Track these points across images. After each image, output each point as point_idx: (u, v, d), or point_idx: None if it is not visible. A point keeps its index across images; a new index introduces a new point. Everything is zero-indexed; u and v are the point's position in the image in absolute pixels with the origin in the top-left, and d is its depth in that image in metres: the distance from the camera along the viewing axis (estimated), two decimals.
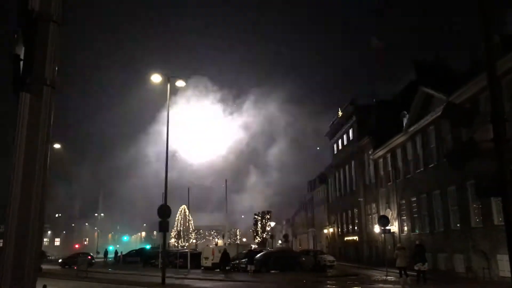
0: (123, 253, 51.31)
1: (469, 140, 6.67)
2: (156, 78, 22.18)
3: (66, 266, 39.68)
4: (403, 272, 20.47)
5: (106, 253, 54.80)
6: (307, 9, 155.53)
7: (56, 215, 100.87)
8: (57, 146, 36.00)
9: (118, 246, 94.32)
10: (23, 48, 2.49)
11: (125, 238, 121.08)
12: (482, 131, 6.35)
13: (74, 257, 38.81)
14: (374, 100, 41.11)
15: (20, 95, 2.46)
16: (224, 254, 30.39)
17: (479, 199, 20.07)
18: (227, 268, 29.38)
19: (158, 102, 23.63)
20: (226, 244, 36.73)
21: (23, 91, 2.44)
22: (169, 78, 22.53)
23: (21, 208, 2.40)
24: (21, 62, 2.47)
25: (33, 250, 2.43)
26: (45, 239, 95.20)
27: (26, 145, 2.40)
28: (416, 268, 20.18)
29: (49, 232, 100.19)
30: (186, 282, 22.61)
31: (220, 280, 23.08)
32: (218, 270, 30.15)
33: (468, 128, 7.30)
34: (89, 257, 47.66)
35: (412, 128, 29.34)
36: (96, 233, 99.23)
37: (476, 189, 8.36)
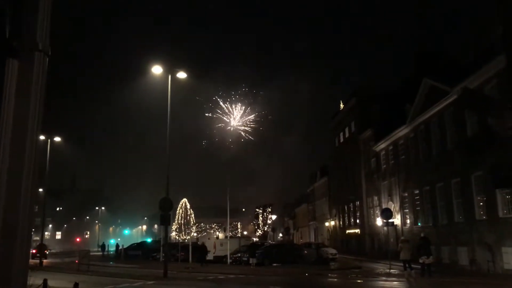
0: (124, 246, 51.17)
1: (487, 128, 6.39)
2: (157, 70, 21.88)
3: None
4: (407, 265, 20.30)
5: (103, 246, 54.54)
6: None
7: (57, 209, 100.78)
8: (57, 139, 35.76)
9: (119, 239, 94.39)
10: (8, 4, 2.12)
11: (126, 231, 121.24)
12: (498, 119, 6.07)
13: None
14: (376, 92, 40.78)
15: (6, 62, 2.07)
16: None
17: (494, 189, 19.70)
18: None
19: (164, 93, 23.25)
20: (228, 238, 36.62)
21: (10, 58, 2.07)
22: (171, 70, 22.26)
23: (9, 199, 2.06)
24: (6, 21, 2.08)
25: (23, 252, 2.11)
26: (46, 233, 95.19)
27: (14, 121, 2.07)
28: (420, 261, 19.98)
29: (50, 225, 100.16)
30: (188, 275, 22.45)
31: (223, 273, 22.88)
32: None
33: (488, 115, 7.00)
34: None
35: (415, 120, 29.05)
36: (97, 227, 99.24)
37: (493, 180, 8.09)
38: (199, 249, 31.03)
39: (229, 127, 46.32)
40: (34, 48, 2.15)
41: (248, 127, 46.66)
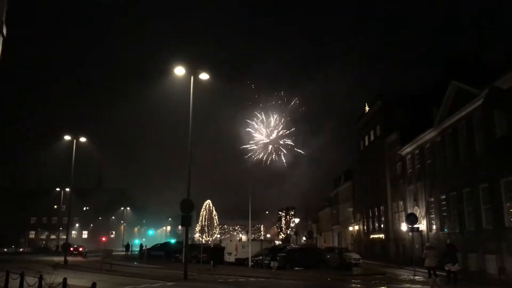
0: (148, 247, 51.69)
1: None
2: (179, 71, 21.93)
3: None
4: (432, 272, 19.75)
5: (127, 247, 55.21)
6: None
7: (84, 208, 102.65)
8: (83, 139, 36.33)
9: (143, 239, 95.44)
10: None
11: (151, 232, 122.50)
12: None
13: None
14: (401, 95, 40.12)
15: None
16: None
17: None
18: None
19: (185, 93, 23.34)
20: (250, 240, 36.49)
21: None
22: (193, 71, 22.30)
23: None
24: None
25: None
26: (73, 232, 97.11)
27: None
28: (446, 268, 19.42)
29: (77, 224, 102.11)
30: (209, 277, 22.40)
31: (243, 276, 22.76)
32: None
33: None
34: (81, 248, 50.43)
35: (442, 124, 28.34)
36: (122, 227, 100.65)
37: None
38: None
39: (263, 141, 46.36)
40: None
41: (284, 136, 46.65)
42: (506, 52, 26.84)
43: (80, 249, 52.66)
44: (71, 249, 50.08)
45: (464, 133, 25.89)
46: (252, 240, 45.47)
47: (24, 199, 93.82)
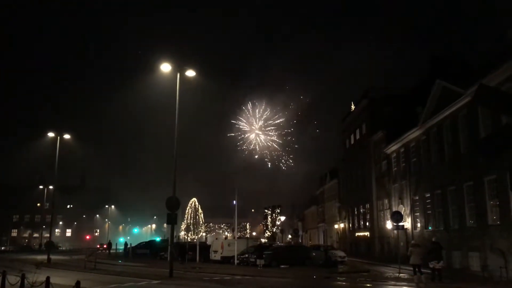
0: (133, 245, 51.23)
1: (503, 128, 6.02)
2: (165, 67, 21.72)
3: None
4: (417, 269, 19.89)
5: (110, 245, 54.61)
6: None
7: (68, 206, 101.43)
8: (67, 136, 35.85)
9: (128, 238, 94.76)
10: None
11: (136, 230, 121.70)
12: None
13: None
14: (388, 93, 40.31)
15: None
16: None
17: (507, 194, 19.33)
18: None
19: (174, 91, 23.07)
20: (235, 238, 36.51)
21: None
22: (179, 68, 22.12)
23: None
24: None
25: None
26: (56, 230, 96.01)
27: None
28: (431, 265, 19.57)
29: (60, 222, 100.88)
30: (194, 275, 22.29)
31: (229, 274, 22.68)
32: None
33: (505, 113, 6.60)
34: (105, 245, 52.17)
35: (427, 122, 28.60)
36: (107, 225, 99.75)
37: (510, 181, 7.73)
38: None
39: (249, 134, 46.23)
40: None
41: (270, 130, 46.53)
42: (489, 53, 27.23)
43: (105, 246, 57.52)
44: (98, 246, 54.74)
45: (449, 132, 26.16)
46: (238, 238, 45.43)
47: (6, 196, 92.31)
